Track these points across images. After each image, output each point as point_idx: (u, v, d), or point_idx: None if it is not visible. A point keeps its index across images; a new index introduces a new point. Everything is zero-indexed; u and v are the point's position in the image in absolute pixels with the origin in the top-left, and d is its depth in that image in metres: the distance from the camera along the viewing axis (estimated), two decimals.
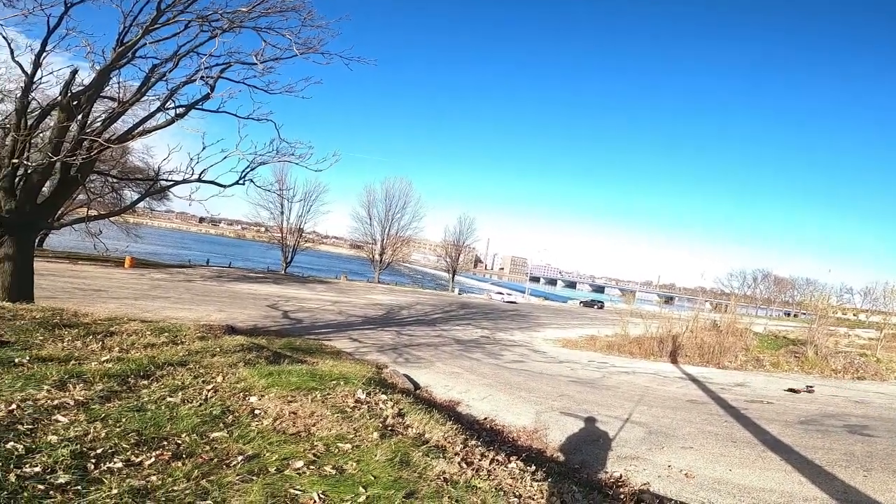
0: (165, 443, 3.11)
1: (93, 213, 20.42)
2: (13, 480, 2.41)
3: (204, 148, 11.24)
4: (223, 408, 3.93)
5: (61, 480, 2.49)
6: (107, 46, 10.79)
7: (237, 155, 11.74)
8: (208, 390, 4.38)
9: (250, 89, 12.06)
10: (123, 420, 3.35)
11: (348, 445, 3.46)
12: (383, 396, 5.15)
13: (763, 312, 67.48)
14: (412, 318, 23.01)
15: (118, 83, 11.87)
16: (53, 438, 2.90)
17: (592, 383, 11.71)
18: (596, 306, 59.27)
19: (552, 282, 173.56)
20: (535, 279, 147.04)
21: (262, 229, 62.24)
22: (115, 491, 2.43)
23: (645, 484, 5.44)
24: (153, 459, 2.85)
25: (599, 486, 5.20)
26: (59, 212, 17.26)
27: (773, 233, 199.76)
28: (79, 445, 2.87)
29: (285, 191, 44.58)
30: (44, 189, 11.88)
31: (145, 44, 11.00)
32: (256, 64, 11.64)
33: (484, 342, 17.81)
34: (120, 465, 2.76)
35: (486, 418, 7.83)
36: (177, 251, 57.86)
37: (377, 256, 54.91)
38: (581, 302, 65.67)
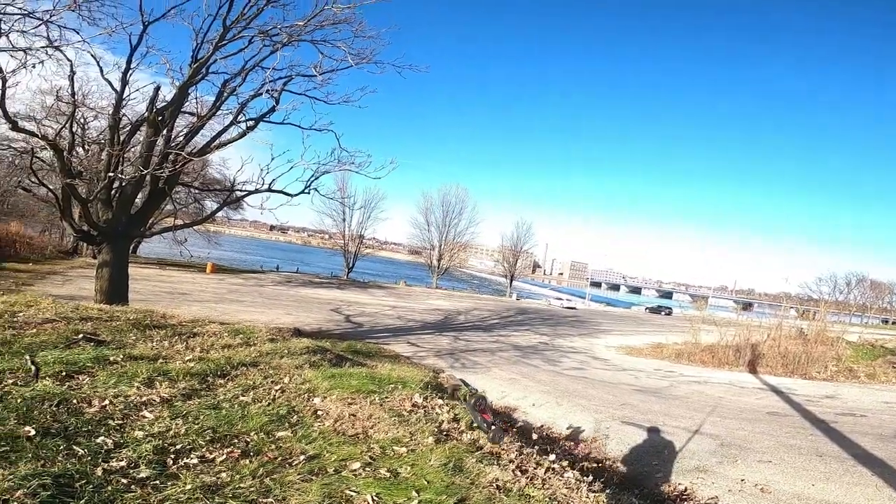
0: (236, 440, 3.34)
1: (178, 222, 22.44)
2: (99, 474, 2.62)
3: (273, 159, 12.04)
4: (289, 408, 4.17)
5: (143, 475, 2.70)
6: (183, 63, 11.78)
7: (302, 165, 12.45)
8: (276, 390, 4.66)
9: (311, 101, 12.79)
10: (201, 417, 3.65)
11: (403, 449, 3.56)
12: (439, 401, 5.22)
13: (857, 320, 60.90)
14: (469, 324, 23.06)
15: (195, 98, 12.97)
16: (139, 434, 3.21)
17: (658, 392, 11.14)
18: (663, 312, 56.25)
19: (615, 287, 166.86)
20: (596, 284, 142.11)
21: (326, 236, 65.13)
22: (188, 486, 2.62)
23: (713, 498, 5.11)
24: (224, 456, 3.07)
25: (661, 498, 4.96)
26: (150, 221, 19.03)
27: (868, 233, 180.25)
28: (161, 441, 3.15)
29: (346, 198, 46.43)
30: (136, 200, 13.18)
31: (216, 59, 11.93)
32: (315, 76, 12.31)
33: (542, 348, 17.49)
34: (195, 461, 2.99)
35: (542, 426, 7.70)
36: (250, 257, 61.88)
37: (435, 262, 55.63)
38: (647, 308, 62.61)
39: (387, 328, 18.20)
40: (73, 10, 10.19)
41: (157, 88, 12.20)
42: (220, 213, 27.45)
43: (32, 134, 11.55)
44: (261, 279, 33.81)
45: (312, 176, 12.87)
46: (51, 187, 13.33)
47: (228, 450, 3.16)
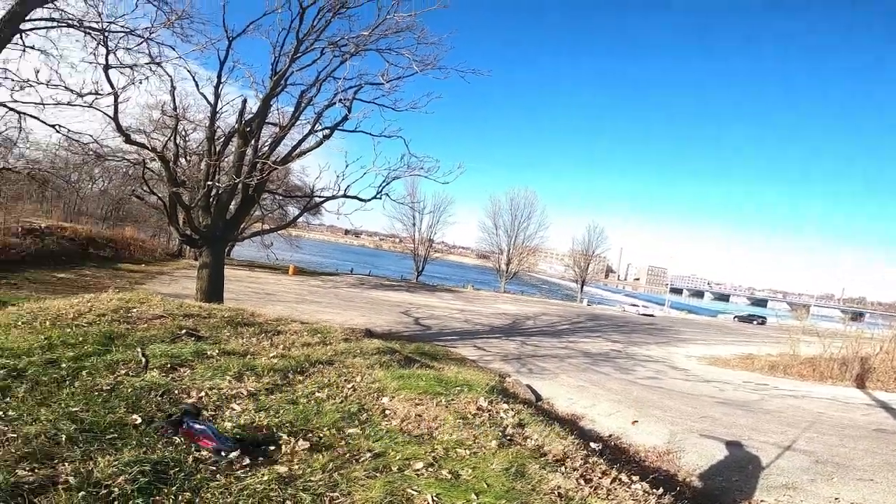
0: (310, 434, 3.61)
1: (266, 227, 24.29)
2: (190, 462, 2.92)
3: (347, 166, 12.71)
4: (359, 406, 4.42)
5: (227, 464, 2.99)
6: (265, 76, 12.77)
7: (374, 171, 13.01)
8: (348, 388, 4.95)
9: (380, 108, 13.37)
10: (281, 411, 3.98)
11: (466, 451, 3.64)
12: (504, 406, 5.24)
13: None
14: (537, 329, 22.69)
15: (277, 109, 14.00)
16: (228, 425, 3.57)
17: (746, 406, 10.30)
18: (755, 322, 51.53)
19: (698, 294, 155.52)
20: (677, 291, 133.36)
21: (397, 240, 67.21)
22: (265, 477, 2.86)
23: None
24: (297, 449, 3.34)
25: None
26: (242, 226, 20.73)
27: None
28: (246, 432, 3.48)
29: (416, 203, 47.59)
30: (230, 207, 14.41)
31: (293, 72, 12.81)
32: (383, 83, 12.82)
33: (614, 356, 16.80)
34: (274, 452, 3.25)
35: (610, 435, 7.44)
36: (327, 260, 65.29)
37: (503, 266, 55.28)
38: (736, 317, 57.69)
39: (454, 331, 18.43)
40: (168, 28, 11.43)
41: (245, 101, 13.30)
42: (300, 218, 29.33)
43: (143, 146, 12.99)
44: (336, 281, 35.59)
45: (384, 181, 13.41)
46: (159, 195, 14.90)
47: (303, 443, 3.42)
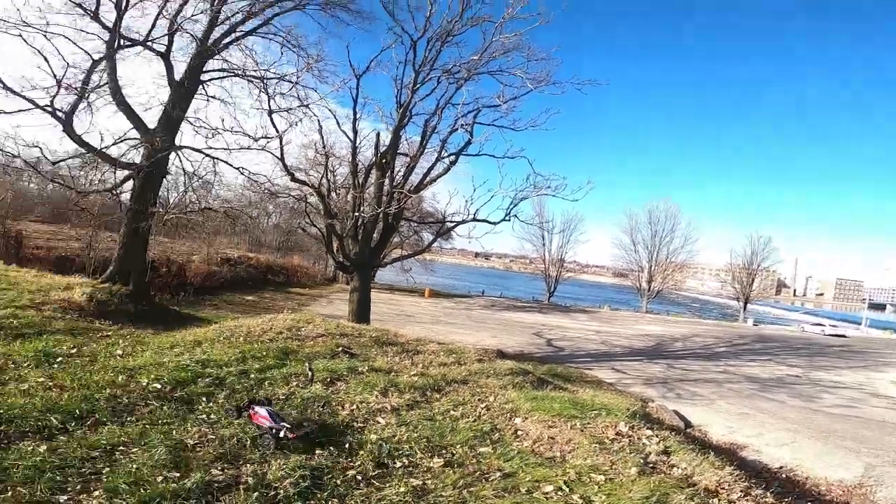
0: (444, 451, 3.82)
1: (404, 253, 26.23)
2: (339, 469, 3.29)
3: (474, 190, 13.20)
4: (492, 425, 4.56)
5: (371, 473, 3.35)
6: (391, 109, 13.93)
7: (501, 193, 13.30)
8: (482, 408, 5.13)
9: (500, 130, 13.69)
10: (419, 427, 4.28)
11: (601, 477, 3.53)
12: (648, 431, 4.92)
13: None
14: (687, 351, 20.43)
15: (405, 140, 15.12)
16: (373, 437, 3.97)
17: None
18: None
19: None
20: (878, 306, 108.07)
21: (527, 261, 66.57)
22: (401, 489, 3.11)
23: None
24: (432, 465, 3.56)
25: None
26: (384, 253, 22.60)
27: None
28: (388, 445, 3.82)
29: (545, 223, 46.74)
30: (374, 235, 15.82)
31: (415, 102, 13.81)
32: (500, 105, 13.15)
33: (791, 381, 14.34)
34: (411, 466, 3.53)
35: (781, 467, 6.45)
36: (459, 283, 67.47)
37: (644, 284, 51.06)
38: None
39: (589, 353, 17.58)
40: (309, 71, 13.28)
41: (378, 134, 14.68)
42: (434, 243, 31.05)
43: (304, 183, 14.84)
44: (469, 303, 36.59)
45: (511, 203, 13.61)
46: (318, 227, 16.95)
47: (437, 459, 3.64)
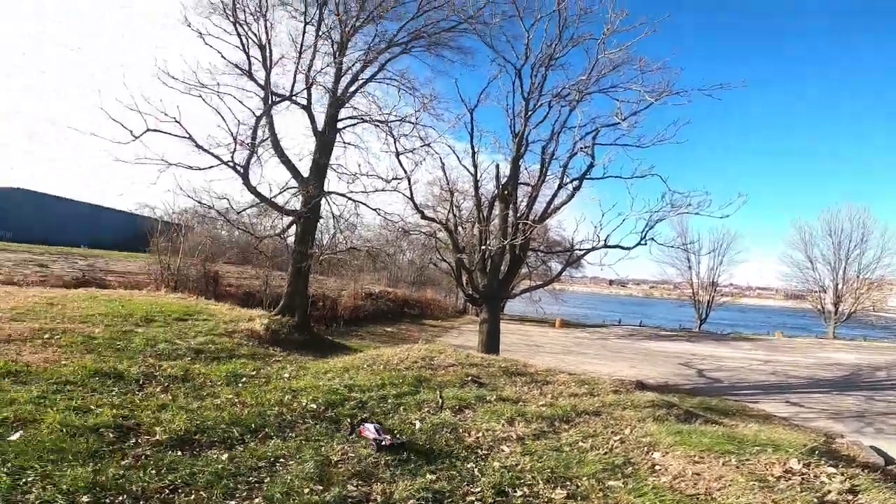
0: (569, 483, 3.71)
1: (533, 283, 25.97)
2: (460, 494, 3.38)
3: (603, 214, 12.50)
4: (625, 458, 4.29)
5: (489, 501, 3.42)
6: (507, 139, 13.98)
7: (633, 216, 12.48)
8: (615, 441, 4.86)
9: (624, 149, 12.89)
10: (544, 457, 4.23)
11: None
12: (829, 469, 4.13)
13: None
14: (894, 381, 16.43)
15: (526, 169, 15.07)
16: (496, 465, 4.02)
17: None
18: None
19: None
20: None
21: (670, 286, 60.62)
22: None
23: None
24: (553, 496, 3.47)
25: None
26: (512, 284, 22.62)
27: None
28: (510, 473, 3.85)
29: (689, 245, 42.27)
30: (502, 267, 15.97)
31: (529, 130, 13.73)
32: (619, 123, 12.42)
33: None
34: (531, 496, 3.49)
35: None
36: (592, 311, 64.00)
37: (829, 306, 42.63)
38: None
39: (754, 385, 15.19)
40: (425, 111, 14.19)
41: (497, 166, 14.88)
42: (563, 273, 30.15)
43: (432, 220, 15.67)
44: (604, 333, 34.49)
45: (646, 226, 12.65)
46: (448, 261, 17.72)
47: (561, 491, 3.55)
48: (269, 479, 3.56)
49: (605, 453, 4.45)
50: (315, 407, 5.31)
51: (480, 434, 4.79)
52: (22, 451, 3.46)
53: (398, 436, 4.55)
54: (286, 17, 14.65)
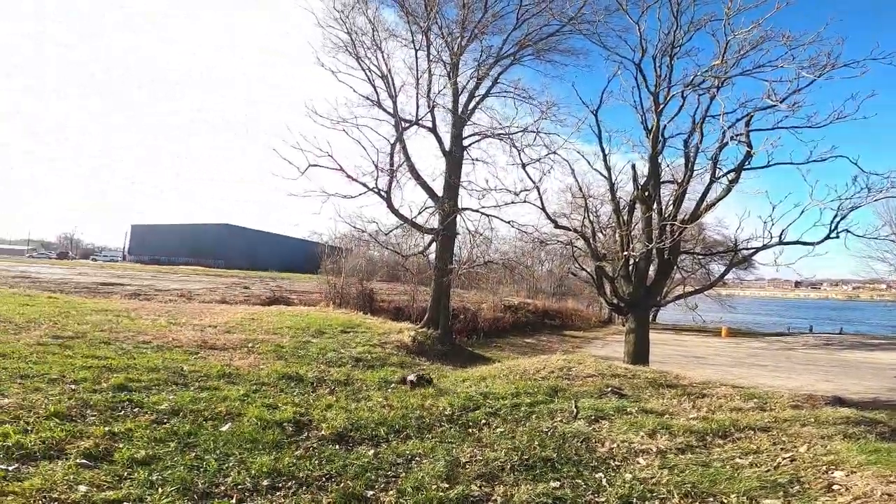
0: (711, 499, 3.38)
1: (688, 289, 23.39)
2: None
3: (773, 208, 10.75)
4: (792, 477, 3.74)
5: None
6: (640, 137, 12.92)
7: (815, 205, 10.55)
8: (784, 458, 4.25)
9: (790, 131, 11.02)
10: (686, 472, 3.90)
11: None
12: None
13: None
14: None
15: (667, 166, 13.74)
16: (628, 476, 3.84)
17: None
18: None
19: None
20: None
21: (881, 286, 48.80)
22: None
23: None
24: None
25: None
26: (663, 290, 20.69)
27: None
28: (642, 486, 3.67)
29: None
30: (649, 272, 14.80)
31: (664, 125, 12.48)
32: (775, 105, 10.64)
33: None
34: None
35: None
36: (770, 318, 54.84)
37: None
38: None
39: None
40: (546, 119, 13.87)
41: (633, 166, 13.72)
42: (729, 275, 26.53)
43: (567, 228, 15.17)
44: (788, 343, 29.31)
45: (836, 216, 10.52)
46: (587, 270, 17.02)
47: None
48: (404, 474, 3.95)
49: (767, 471, 3.92)
50: (450, 412, 5.69)
51: (615, 445, 4.62)
52: (228, 441, 4.35)
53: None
54: (398, 46, 16.02)
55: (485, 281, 26.24)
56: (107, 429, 4.21)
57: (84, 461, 3.60)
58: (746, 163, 11.65)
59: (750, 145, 11.38)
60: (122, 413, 4.73)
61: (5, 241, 67.89)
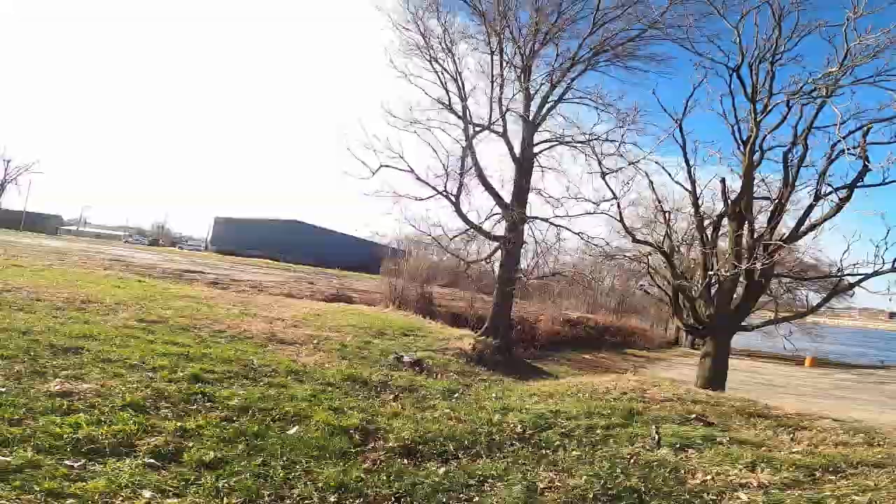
0: None
1: (778, 315, 21.12)
2: None
3: (889, 231, 9.68)
4: None
5: None
6: (732, 149, 11.84)
7: None
8: None
9: None
10: None
11: None
12: None
13: None
14: None
15: (763, 180, 12.49)
16: None
17: None
18: None
19: None
20: None
21: None
22: None
23: None
24: None
25: None
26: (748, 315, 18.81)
27: None
28: None
29: None
30: (732, 295, 13.49)
31: (762, 136, 11.36)
32: None
33: None
34: None
35: None
36: (863, 350, 49.32)
37: None
38: None
39: None
40: (625, 127, 13.04)
41: (723, 180, 12.50)
42: (824, 305, 23.84)
43: (647, 243, 13.72)
44: (881, 376, 26.19)
45: None
46: (663, 287, 15.88)
47: None
48: (477, 498, 3.71)
49: None
50: (521, 430, 5.43)
51: (709, 477, 4.20)
52: (295, 446, 4.22)
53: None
54: (470, 49, 15.91)
55: (546, 293, 25.54)
56: (178, 424, 4.17)
57: (152, 460, 3.52)
58: (860, 179, 10.39)
59: (867, 160, 10.14)
60: (194, 407, 4.71)
61: (105, 226, 75.28)
